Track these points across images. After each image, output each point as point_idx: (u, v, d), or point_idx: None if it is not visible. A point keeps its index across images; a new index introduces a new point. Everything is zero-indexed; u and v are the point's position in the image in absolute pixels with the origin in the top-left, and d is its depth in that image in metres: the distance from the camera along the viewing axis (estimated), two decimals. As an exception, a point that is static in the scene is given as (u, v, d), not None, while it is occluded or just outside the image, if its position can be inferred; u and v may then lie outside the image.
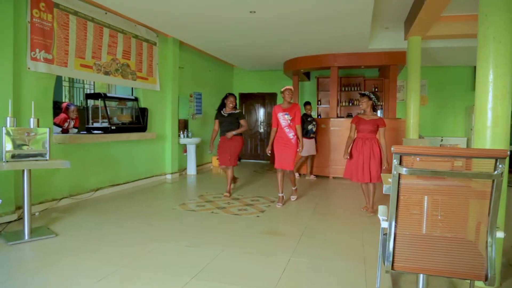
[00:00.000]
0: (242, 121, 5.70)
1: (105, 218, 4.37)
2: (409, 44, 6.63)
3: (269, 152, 5.30)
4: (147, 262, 3.02)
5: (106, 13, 5.63)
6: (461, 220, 1.89)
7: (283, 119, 5.08)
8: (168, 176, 7.46)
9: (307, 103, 7.78)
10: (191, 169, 8.10)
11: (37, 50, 4.52)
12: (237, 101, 11.35)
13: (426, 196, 2.00)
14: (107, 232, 3.84)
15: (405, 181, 1.84)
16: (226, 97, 5.74)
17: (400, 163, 1.81)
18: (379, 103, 4.82)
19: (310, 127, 7.38)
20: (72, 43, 5.04)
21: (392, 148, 1.80)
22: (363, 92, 4.62)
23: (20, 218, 4.19)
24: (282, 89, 5.12)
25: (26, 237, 3.51)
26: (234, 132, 5.57)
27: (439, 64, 9.50)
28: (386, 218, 2.13)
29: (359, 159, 4.65)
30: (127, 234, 3.79)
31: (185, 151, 8.16)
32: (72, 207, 4.86)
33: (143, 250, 3.29)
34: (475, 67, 2.87)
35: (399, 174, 1.82)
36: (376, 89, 9.83)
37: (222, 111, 5.75)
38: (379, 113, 9.43)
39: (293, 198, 5.53)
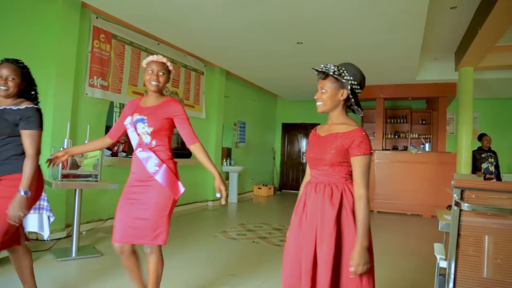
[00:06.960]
0: (31, 135, 2.09)
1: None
2: (460, 75, 6.40)
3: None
4: (187, 289, 3.00)
5: (158, 44, 5.93)
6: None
7: (132, 129, 2.33)
8: (210, 203, 7.50)
9: (483, 135, 5.87)
10: (233, 197, 8.10)
11: (95, 78, 4.82)
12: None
13: (488, 236, 1.85)
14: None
15: (467, 219, 1.71)
16: None
17: (462, 198, 1.69)
18: (357, 88, 1.80)
19: (485, 165, 5.29)
20: (126, 71, 5.34)
21: (452, 182, 1.69)
22: (318, 68, 1.83)
23: (69, 236, 4.34)
24: (145, 62, 2.40)
25: (74, 254, 3.61)
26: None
27: (492, 96, 9.06)
28: (444, 257, 1.98)
29: (298, 237, 1.69)
30: (166, 258, 3.79)
31: (227, 179, 8.21)
32: (117, 229, 4.97)
33: (183, 276, 3.27)
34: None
35: (460, 210, 1.69)
36: (424, 122, 9.49)
37: None
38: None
39: None
